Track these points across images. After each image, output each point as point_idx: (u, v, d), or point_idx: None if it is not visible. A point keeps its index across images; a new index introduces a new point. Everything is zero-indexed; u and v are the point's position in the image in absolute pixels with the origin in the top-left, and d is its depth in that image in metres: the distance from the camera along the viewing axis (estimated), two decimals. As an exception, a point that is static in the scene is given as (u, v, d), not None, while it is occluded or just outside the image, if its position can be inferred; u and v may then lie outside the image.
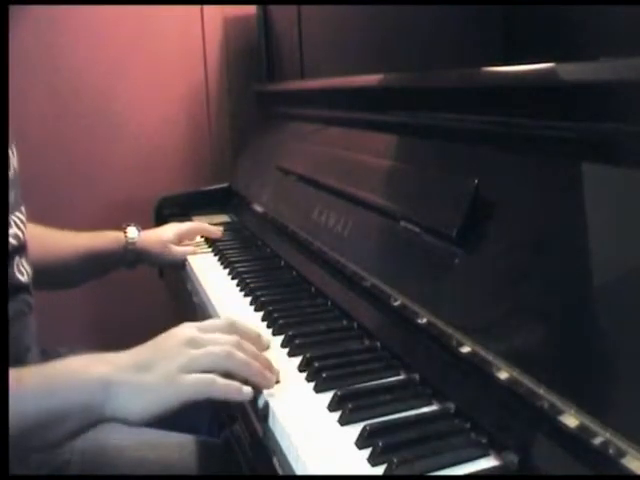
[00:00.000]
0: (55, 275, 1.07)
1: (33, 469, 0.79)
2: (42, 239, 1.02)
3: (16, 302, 0.84)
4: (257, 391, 0.65)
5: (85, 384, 0.63)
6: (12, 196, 0.86)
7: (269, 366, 0.67)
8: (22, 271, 0.86)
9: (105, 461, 0.83)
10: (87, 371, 0.64)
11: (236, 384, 0.63)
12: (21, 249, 0.86)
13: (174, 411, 0.63)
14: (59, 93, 1.60)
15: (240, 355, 0.65)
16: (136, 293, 1.62)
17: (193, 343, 0.65)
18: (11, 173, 0.86)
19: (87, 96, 1.62)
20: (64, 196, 1.61)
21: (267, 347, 0.73)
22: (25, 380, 0.63)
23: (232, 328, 0.70)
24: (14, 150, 0.90)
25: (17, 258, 0.85)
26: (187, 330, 0.68)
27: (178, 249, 1.20)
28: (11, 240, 0.83)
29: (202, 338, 0.66)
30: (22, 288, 0.85)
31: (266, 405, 0.63)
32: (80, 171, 1.64)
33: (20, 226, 0.87)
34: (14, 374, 0.63)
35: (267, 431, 0.62)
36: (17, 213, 0.87)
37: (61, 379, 0.64)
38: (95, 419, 0.64)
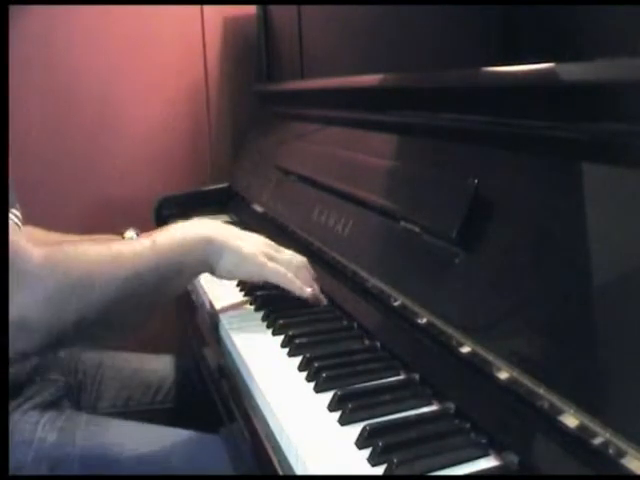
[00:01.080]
0: None
1: (32, 468, 0.79)
2: (39, 241, 1.02)
3: None
4: (257, 391, 0.65)
5: (204, 244, 0.79)
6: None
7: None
8: None
9: (105, 460, 0.83)
10: (203, 234, 0.79)
11: (300, 283, 0.81)
12: None
13: (251, 282, 0.86)
14: (58, 93, 1.59)
15: (308, 271, 0.84)
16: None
17: (272, 246, 0.85)
18: None
19: (86, 96, 1.62)
20: (63, 197, 1.61)
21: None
22: (153, 244, 0.75)
23: (302, 261, 0.86)
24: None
25: None
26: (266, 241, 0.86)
27: None
28: None
29: (279, 249, 0.86)
30: None
31: (266, 404, 0.63)
32: (80, 171, 1.64)
33: (17, 223, 0.87)
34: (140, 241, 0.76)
35: (267, 430, 0.62)
36: (13, 210, 0.88)
37: (182, 239, 0.78)
38: (203, 273, 0.83)
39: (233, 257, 0.80)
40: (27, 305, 0.64)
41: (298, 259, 0.85)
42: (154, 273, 0.74)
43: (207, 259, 0.80)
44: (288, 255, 0.85)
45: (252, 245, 0.83)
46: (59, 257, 0.68)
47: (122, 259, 0.72)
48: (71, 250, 0.70)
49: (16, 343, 0.63)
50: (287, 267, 0.82)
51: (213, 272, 0.82)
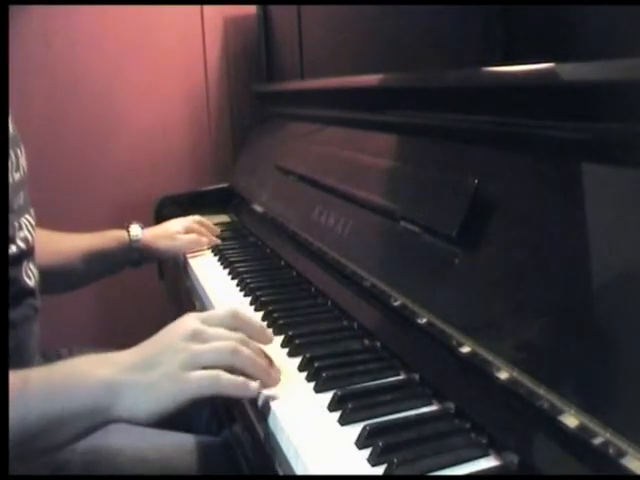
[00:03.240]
0: (60, 278, 1.07)
1: (34, 469, 0.79)
2: (45, 243, 1.02)
3: (23, 307, 0.83)
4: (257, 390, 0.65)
5: (90, 387, 0.62)
6: (22, 197, 0.85)
7: (271, 363, 0.67)
8: (30, 275, 0.85)
9: (105, 461, 0.83)
10: (91, 374, 0.63)
11: (242, 379, 0.62)
12: (30, 253, 0.85)
13: (180, 408, 0.61)
14: (59, 94, 1.60)
15: (246, 351, 0.64)
16: (136, 293, 1.62)
17: (196, 337, 0.64)
18: (20, 174, 0.85)
19: (87, 96, 1.62)
20: (64, 197, 1.61)
21: (271, 339, 0.71)
22: (30, 383, 0.62)
23: (236, 320, 0.68)
24: (22, 150, 0.89)
25: (25, 262, 0.83)
26: (190, 322, 0.66)
27: (187, 237, 1.20)
28: (20, 243, 0.81)
29: (206, 332, 0.65)
30: (29, 292, 0.84)
31: (266, 405, 0.63)
32: (80, 171, 1.64)
33: (29, 229, 0.86)
34: (19, 375, 0.62)
35: (267, 431, 0.62)
36: (27, 215, 0.86)
37: (66, 383, 0.63)
38: (101, 421, 0.63)
39: (134, 394, 0.62)
40: None
41: (228, 320, 0.67)
42: (19, 425, 0.60)
43: (100, 408, 0.62)
44: (218, 322, 0.67)
45: (163, 366, 0.62)
46: None
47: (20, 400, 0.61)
48: None
49: None
50: (221, 351, 0.63)
51: (127, 419, 0.63)
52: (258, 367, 0.64)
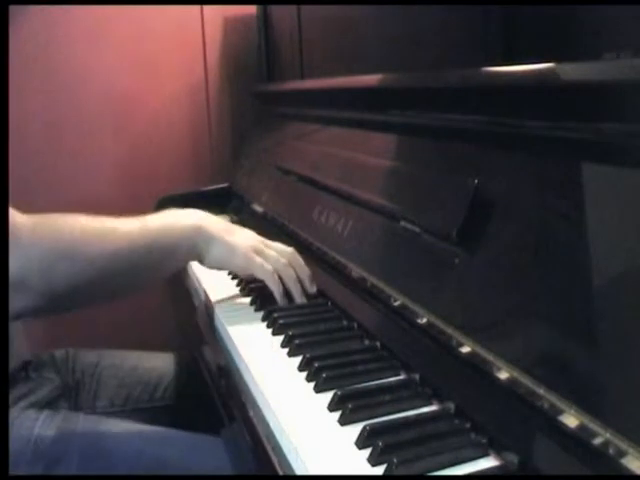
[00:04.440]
0: None
1: (29, 467, 0.79)
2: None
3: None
4: (257, 391, 0.65)
5: (191, 229, 0.81)
6: None
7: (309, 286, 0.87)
8: None
9: (103, 460, 0.83)
10: (189, 220, 0.82)
11: (281, 289, 0.83)
12: None
13: (237, 273, 0.88)
14: (58, 94, 1.59)
15: (291, 270, 0.85)
16: (136, 293, 1.62)
17: (262, 242, 0.87)
18: None
19: (86, 96, 1.62)
20: (63, 197, 1.61)
21: (314, 289, 0.87)
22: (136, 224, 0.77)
23: (293, 255, 0.87)
24: None
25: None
26: (256, 236, 0.88)
27: None
28: None
29: (269, 245, 0.87)
30: None
31: (266, 404, 0.63)
32: (79, 171, 1.64)
33: None
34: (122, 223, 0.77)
35: (267, 431, 0.62)
36: None
37: (168, 225, 0.80)
38: (192, 259, 0.84)
39: (222, 249, 0.82)
40: (16, 269, 0.67)
41: (287, 254, 0.86)
42: (143, 253, 0.76)
43: (196, 247, 0.82)
44: (277, 251, 0.87)
45: (242, 239, 0.85)
46: (46, 227, 0.71)
47: (111, 236, 0.75)
48: (59, 221, 0.73)
49: (10, 303, 0.66)
50: (275, 264, 0.84)
51: (202, 261, 0.84)
52: (297, 287, 0.84)
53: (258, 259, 0.84)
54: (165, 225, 0.80)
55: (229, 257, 0.83)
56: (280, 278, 0.84)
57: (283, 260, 0.85)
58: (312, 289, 0.86)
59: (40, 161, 1.57)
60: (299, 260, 0.87)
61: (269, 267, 0.83)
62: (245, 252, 0.83)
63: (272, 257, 0.85)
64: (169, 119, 1.69)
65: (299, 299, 0.84)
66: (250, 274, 0.85)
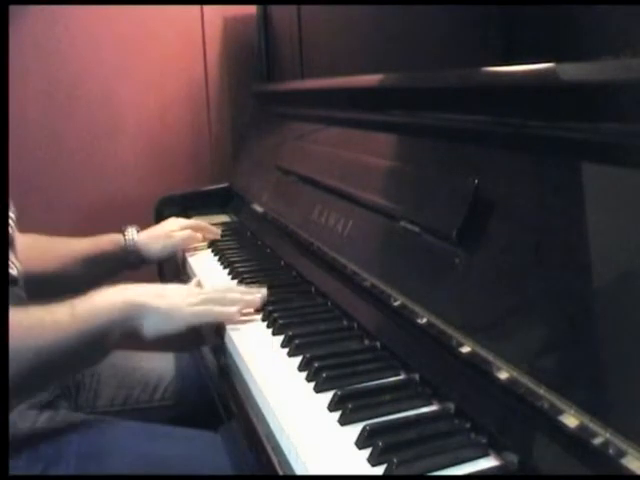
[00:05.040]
0: (58, 283, 1.08)
1: (27, 466, 0.79)
2: (44, 249, 1.03)
3: (10, 297, 0.84)
4: (257, 391, 0.65)
5: (120, 306, 0.79)
6: None
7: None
8: (11, 266, 0.88)
9: (101, 458, 0.83)
10: (117, 297, 0.80)
11: (230, 310, 0.83)
12: (10, 244, 0.88)
13: (180, 333, 0.82)
14: (58, 94, 1.59)
15: (234, 293, 0.86)
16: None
17: (193, 291, 0.88)
18: None
19: (86, 96, 1.62)
20: (63, 197, 1.61)
21: (263, 295, 0.87)
22: (58, 315, 0.75)
23: (223, 286, 0.89)
24: None
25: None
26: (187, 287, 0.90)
27: (181, 234, 1.21)
28: None
29: (200, 292, 0.88)
30: (13, 281, 0.87)
31: (266, 404, 0.63)
32: (80, 171, 1.63)
33: (9, 222, 0.89)
34: (44, 311, 0.74)
35: (267, 431, 0.62)
36: (9, 213, 0.89)
37: (97, 307, 0.78)
38: (130, 332, 0.80)
39: (157, 318, 0.81)
40: None
41: (220, 287, 0.89)
42: (74, 342, 0.75)
43: (130, 322, 0.80)
44: (212, 289, 0.89)
45: (175, 299, 0.83)
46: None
47: (38, 329, 0.73)
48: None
49: None
50: (220, 301, 0.84)
51: (140, 334, 0.81)
52: (250, 304, 0.85)
53: (195, 309, 0.83)
54: (94, 308, 0.78)
55: (167, 323, 0.81)
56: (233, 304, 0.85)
57: (220, 293, 0.87)
58: (263, 295, 0.87)
59: (40, 161, 1.57)
60: (231, 285, 0.92)
61: (206, 308, 0.83)
62: (185, 310, 0.82)
63: (213, 296, 0.85)
64: (169, 119, 1.69)
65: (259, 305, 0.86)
66: (197, 325, 0.84)
